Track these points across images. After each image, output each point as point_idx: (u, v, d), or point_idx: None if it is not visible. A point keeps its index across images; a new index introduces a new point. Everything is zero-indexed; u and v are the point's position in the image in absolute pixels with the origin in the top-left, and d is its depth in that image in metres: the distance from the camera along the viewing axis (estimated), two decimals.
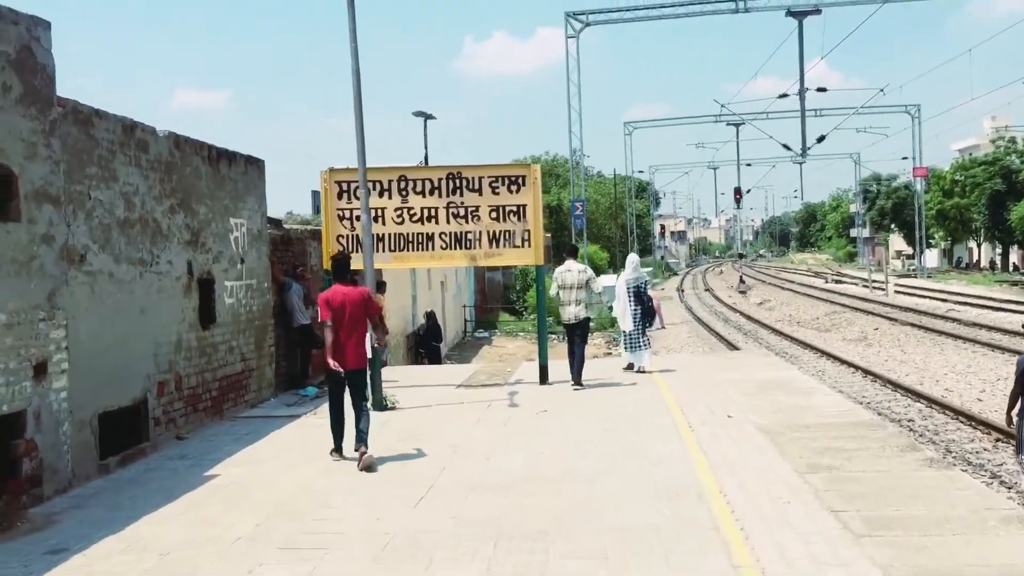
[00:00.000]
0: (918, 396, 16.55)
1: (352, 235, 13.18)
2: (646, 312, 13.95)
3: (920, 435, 13.09)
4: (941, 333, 26.47)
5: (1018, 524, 6.16)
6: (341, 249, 13.09)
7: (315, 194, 24.80)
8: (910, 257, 77.26)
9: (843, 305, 37.74)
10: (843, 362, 21.74)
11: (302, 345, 13.99)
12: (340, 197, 13.28)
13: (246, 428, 10.71)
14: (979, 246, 72.36)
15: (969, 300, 36.65)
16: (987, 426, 13.28)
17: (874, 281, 47.10)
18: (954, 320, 29.67)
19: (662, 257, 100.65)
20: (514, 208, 13.22)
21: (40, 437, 7.56)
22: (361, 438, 8.56)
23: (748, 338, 29.54)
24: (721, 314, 40.08)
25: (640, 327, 13.92)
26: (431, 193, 13.24)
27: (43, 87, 7.71)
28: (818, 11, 34.90)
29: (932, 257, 72.11)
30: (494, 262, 13.91)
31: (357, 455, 8.51)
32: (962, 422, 13.96)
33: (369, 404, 9.19)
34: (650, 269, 68.57)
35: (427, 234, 13.23)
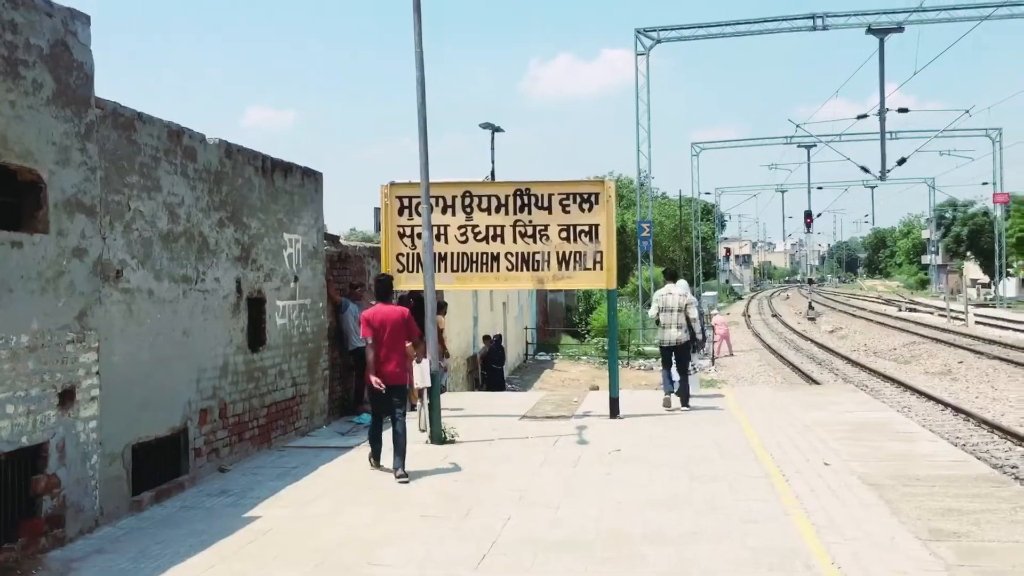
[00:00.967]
0: (1020, 439, 15.17)
1: (413, 253, 12.40)
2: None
3: None
4: None
5: None
6: (401, 268, 12.41)
7: (377, 211, 24.29)
8: (986, 286, 74.31)
9: (921, 335, 35.96)
10: (930, 398, 20.34)
11: (358, 369, 13.19)
12: (401, 213, 12.52)
13: (294, 460, 9.91)
14: None
15: None
16: None
17: (952, 311, 45.03)
18: None
19: (727, 281, 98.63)
20: (586, 228, 12.32)
21: (64, 472, 6.83)
22: (399, 462, 8.93)
23: (823, 368, 28.14)
24: (791, 342, 38.58)
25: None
26: (497, 210, 12.40)
27: (79, 86, 7.03)
28: (901, 29, 33.45)
29: (1010, 286, 69.17)
30: (563, 286, 13.00)
31: (394, 474, 8.92)
32: None
33: (425, 432, 10.11)
34: (715, 293, 67.02)
35: (492, 254, 12.39)
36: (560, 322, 41.11)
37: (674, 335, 12.82)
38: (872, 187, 79.40)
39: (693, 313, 12.84)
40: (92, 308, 7.18)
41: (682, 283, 13.27)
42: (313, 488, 8.61)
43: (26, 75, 6.45)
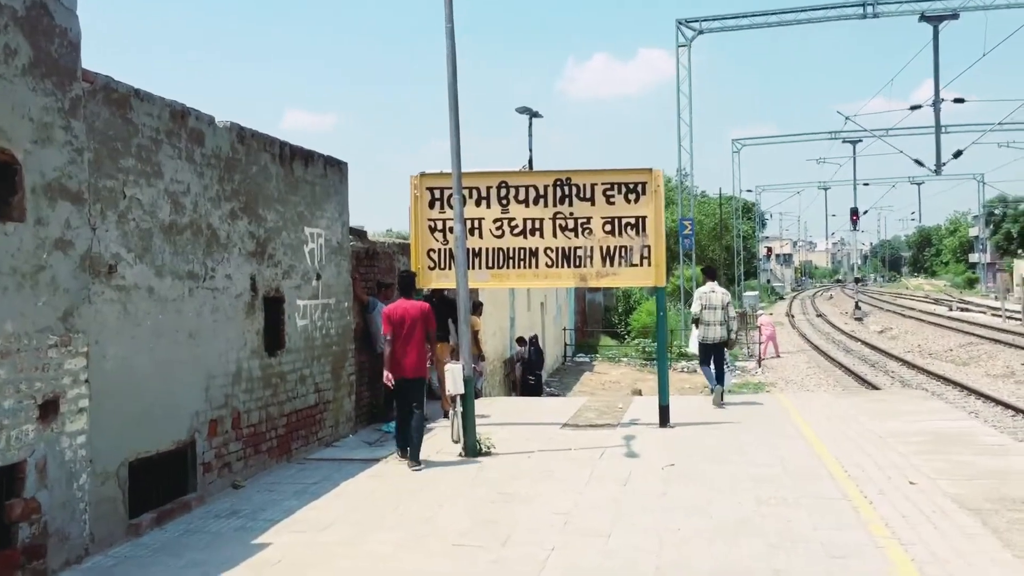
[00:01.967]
0: None
1: (445, 249, 11.50)
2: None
3: None
4: None
5: None
6: (432, 265, 11.52)
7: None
8: None
9: (977, 336, 34.36)
10: (999, 403, 19.03)
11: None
12: (432, 206, 11.62)
13: (315, 474, 9.02)
14: None
15: None
16: None
17: (1007, 310, 43.24)
18: None
19: (768, 280, 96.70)
20: (632, 220, 11.33)
21: (46, 495, 5.98)
22: (414, 454, 9.35)
23: (877, 371, 26.82)
24: (840, 343, 37.16)
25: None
26: (536, 202, 11.45)
27: (62, 56, 6.18)
28: (956, 16, 31.94)
29: None
30: (608, 283, 12.00)
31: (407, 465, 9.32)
32: None
33: (458, 443, 9.85)
34: (756, 293, 65.42)
35: (530, 249, 11.44)
36: (599, 323, 40.03)
37: (718, 332, 13.07)
38: (919, 183, 77.46)
39: (733, 312, 13.30)
40: (79, 308, 6.33)
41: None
42: (333, 508, 7.70)
43: None
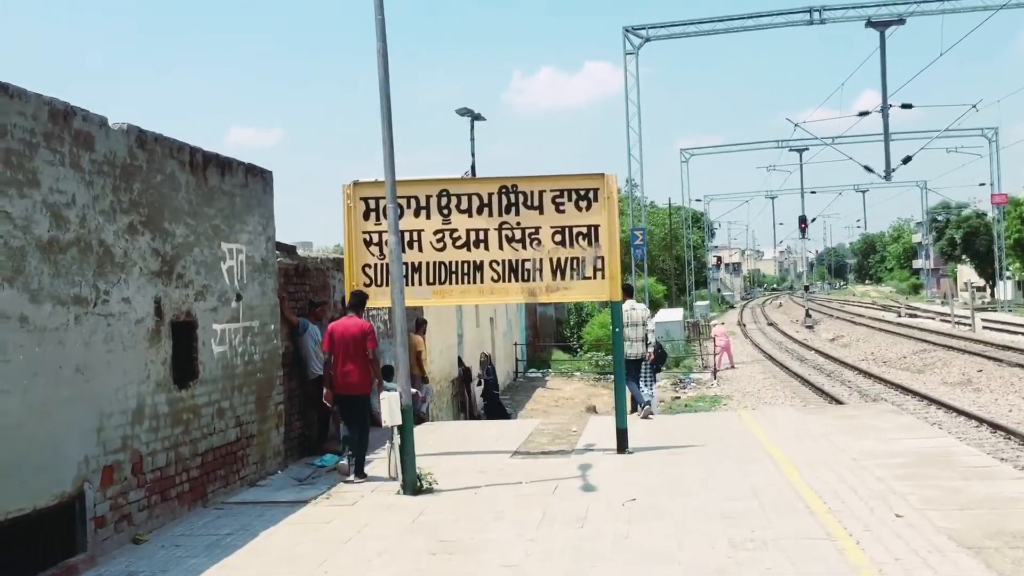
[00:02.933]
0: None
1: (381, 264, 10.55)
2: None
3: None
4: None
5: None
6: (368, 282, 10.56)
7: None
8: (980, 289, 72.66)
9: (929, 343, 34.17)
10: (960, 412, 18.50)
11: (320, 400, 11.26)
12: (367, 217, 10.68)
13: (233, 522, 7.96)
14: None
15: None
16: None
17: (957, 316, 43.35)
18: None
19: (718, 290, 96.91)
20: (583, 229, 10.49)
21: None
22: (359, 469, 9.52)
23: (834, 380, 26.31)
24: (793, 352, 36.76)
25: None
26: (480, 211, 10.55)
27: None
28: (902, 21, 31.83)
29: (1008, 289, 67.58)
30: (559, 298, 11.12)
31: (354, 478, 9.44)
32: None
33: (396, 480, 9.06)
34: (707, 303, 65.30)
35: (475, 263, 10.53)
36: (551, 336, 39.20)
37: (639, 349, 13.42)
38: (864, 191, 78.22)
39: (652, 326, 13.75)
40: None
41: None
42: (247, 569, 6.66)
43: None
